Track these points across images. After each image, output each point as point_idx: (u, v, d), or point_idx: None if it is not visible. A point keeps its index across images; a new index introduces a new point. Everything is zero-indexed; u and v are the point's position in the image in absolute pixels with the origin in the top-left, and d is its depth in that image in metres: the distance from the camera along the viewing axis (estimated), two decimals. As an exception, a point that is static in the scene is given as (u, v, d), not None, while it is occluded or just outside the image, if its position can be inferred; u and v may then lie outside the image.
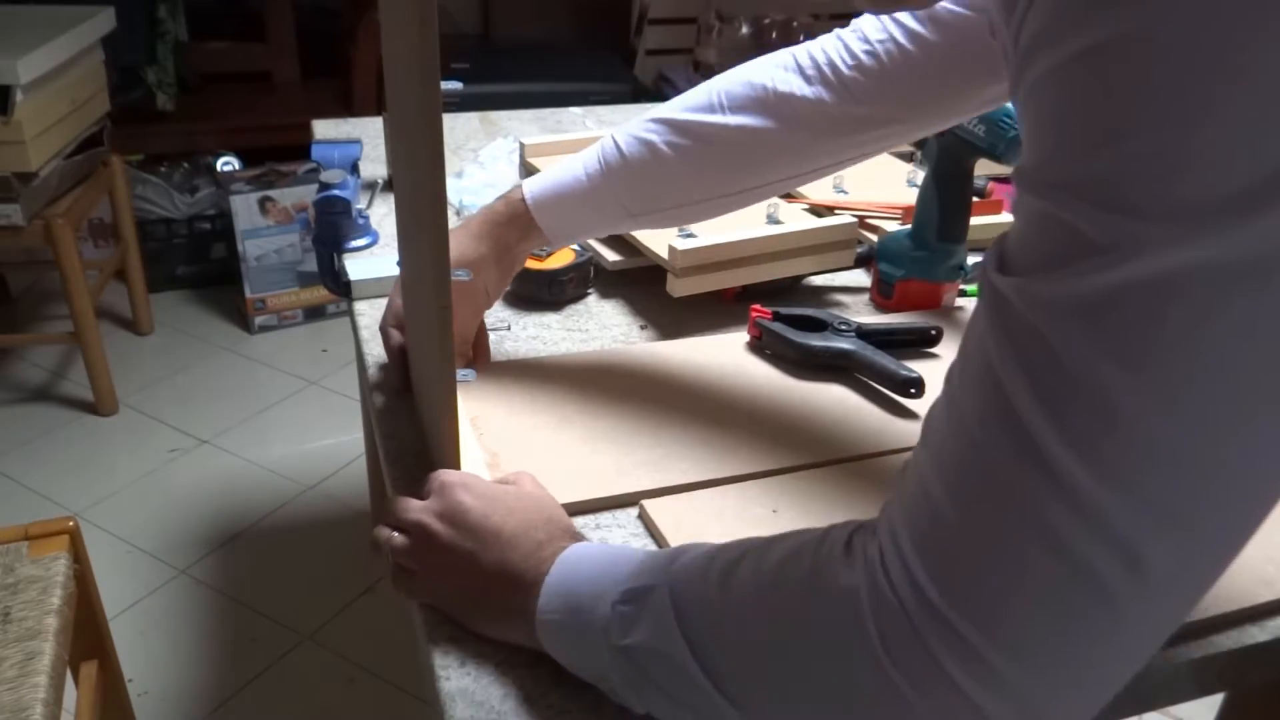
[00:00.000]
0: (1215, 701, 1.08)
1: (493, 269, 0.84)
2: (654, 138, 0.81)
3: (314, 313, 2.45)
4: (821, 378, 0.88)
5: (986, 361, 0.40)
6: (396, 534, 0.63)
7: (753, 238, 0.98)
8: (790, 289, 1.04)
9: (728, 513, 0.71)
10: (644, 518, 0.71)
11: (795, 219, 1.08)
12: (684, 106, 0.81)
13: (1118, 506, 0.37)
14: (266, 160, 2.39)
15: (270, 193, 2.27)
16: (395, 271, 0.97)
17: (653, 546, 0.68)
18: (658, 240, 1.00)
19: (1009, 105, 0.86)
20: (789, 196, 1.17)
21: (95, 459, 1.97)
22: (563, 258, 1.00)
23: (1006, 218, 1.11)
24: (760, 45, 2.78)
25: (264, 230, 2.29)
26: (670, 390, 0.85)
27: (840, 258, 1.04)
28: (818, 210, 1.16)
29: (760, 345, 0.92)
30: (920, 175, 1.17)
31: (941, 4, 0.73)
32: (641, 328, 0.97)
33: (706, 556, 0.51)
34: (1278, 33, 0.33)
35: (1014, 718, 0.40)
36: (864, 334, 0.90)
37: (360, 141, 1.16)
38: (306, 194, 2.27)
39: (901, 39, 0.75)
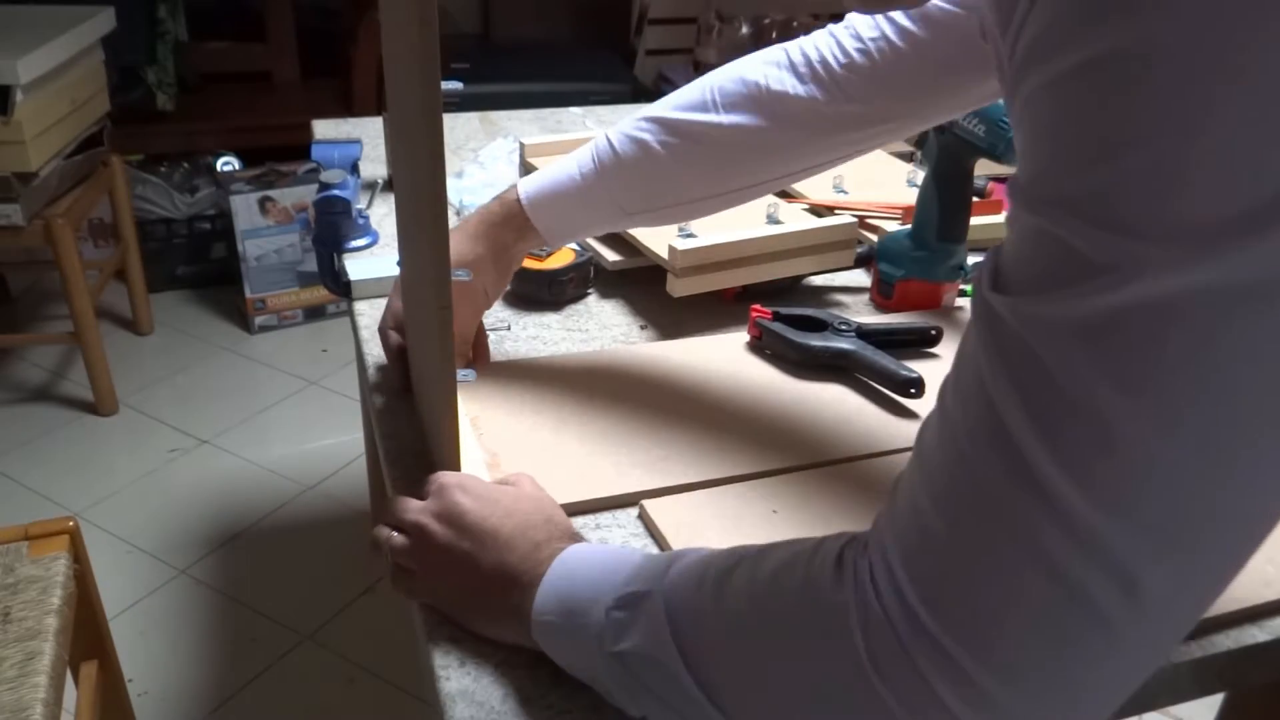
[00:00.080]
0: (1215, 701, 1.08)
1: (491, 269, 0.84)
2: (647, 137, 0.81)
3: (314, 313, 2.45)
4: (821, 378, 0.88)
5: (979, 379, 0.40)
6: (396, 534, 0.63)
7: (753, 238, 0.98)
8: (790, 289, 1.04)
9: (728, 513, 0.71)
10: (644, 518, 0.71)
11: (795, 219, 1.08)
12: (676, 105, 0.81)
13: (1113, 530, 0.36)
14: (266, 160, 2.39)
15: (270, 193, 2.27)
16: (395, 271, 0.97)
17: (653, 546, 0.68)
18: (658, 240, 1.00)
19: (1008, 105, 0.86)
20: (789, 196, 1.17)
21: (95, 459, 1.97)
22: (563, 258, 1.00)
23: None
24: (760, 45, 2.77)
25: (264, 230, 2.29)
26: (670, 390, 0.85)
27: (840, 258, 1.04)
28: (818, 210, 1.16)
29: (760, 345, 0.92)
30: (920, 175, 1.17)
31: (933, 2, 0.73)
32: (641, 328, 0.97)
33: (701, 564, 0.51)
34: (1278, 51, 0.32)
35: None
36: (864, 334, 0.90)
37: (360, 141, 1.16)
38: (306, 194, 2.27)
39: (894, 36, 0.75)
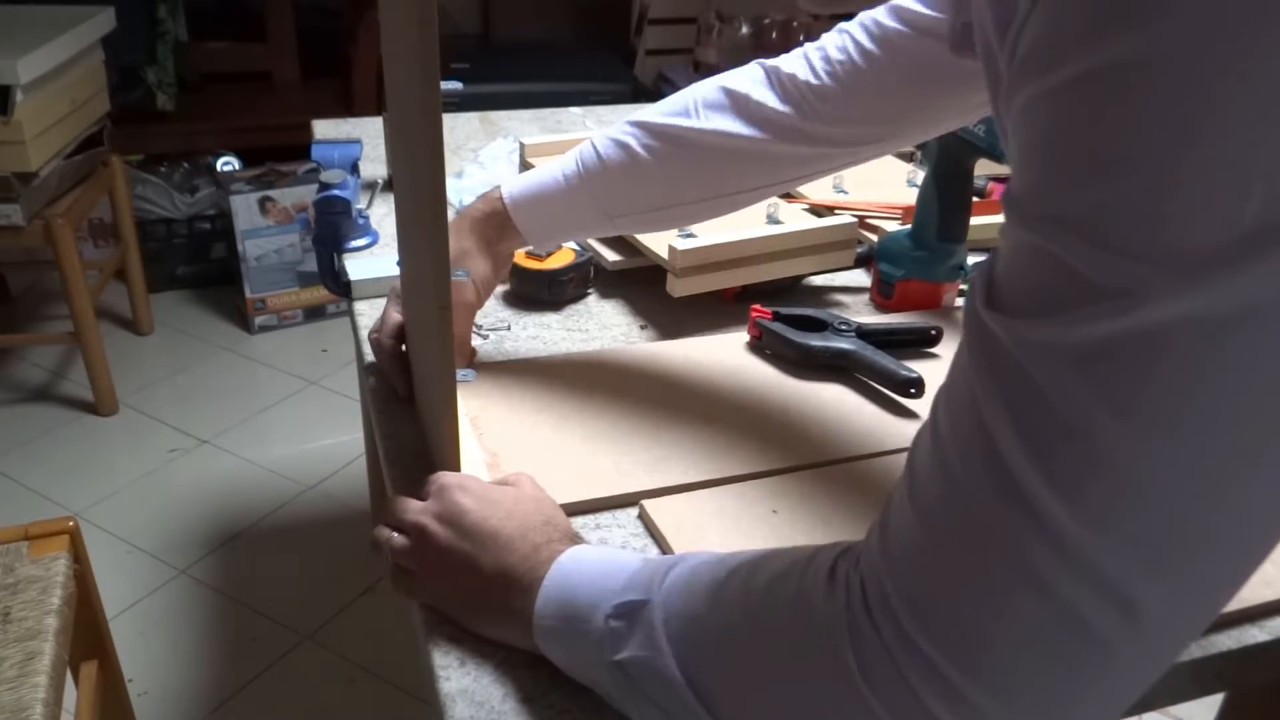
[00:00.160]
0: (1215, 701, 1.08)
1: (478, 262, 0.84)
2: (631, 141, 0.81)
3: (314, 313, 2.45)
4: (821, 378, 0.88)
5: (971, 397, 0.40)
6: (396, 534, 0.63)
7: (753, 238, 0.98)
8: (790, 289, 1.04)
9: (728, 513, 0.71)
10: (644, 518, 0.71)
11: (795, 219, 1.08)
12: (661, 111, 0.82)
13: (1104, 551, 0.36)
14: (266, 160, 2.39)
15: (270, 193, 2.27)
16: (395, 271, 0.97)
17: (653, 546, 0.68)
18: (658, 240, 1.00)
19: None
20: (789, 196, 1.17)
21: (95, 459, 1.97)
22: (563, 258, 1.00)
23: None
24: (760, 45, 2.78)
25: (264, 230, 2.29)
26: (670, 390, 0.85)
27: (840, 258, 1.04)
28: (818, 210, 1.16)
29: (760, 345, 0.92)
30: (920, 175, 1.17)
31: (894, 26, 0.74)
32: (641, 328, 0.97)
33: (697, 572, 0.51)
34: (1276, 67, 0.32)
35: None
36: (864, 334, 0.90)
37: (360, 141, 1.16)
38: (306, 194, 2.27)
39: (857, 58, 0.76)
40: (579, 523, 0.68)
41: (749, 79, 0.80)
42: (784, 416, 0.82)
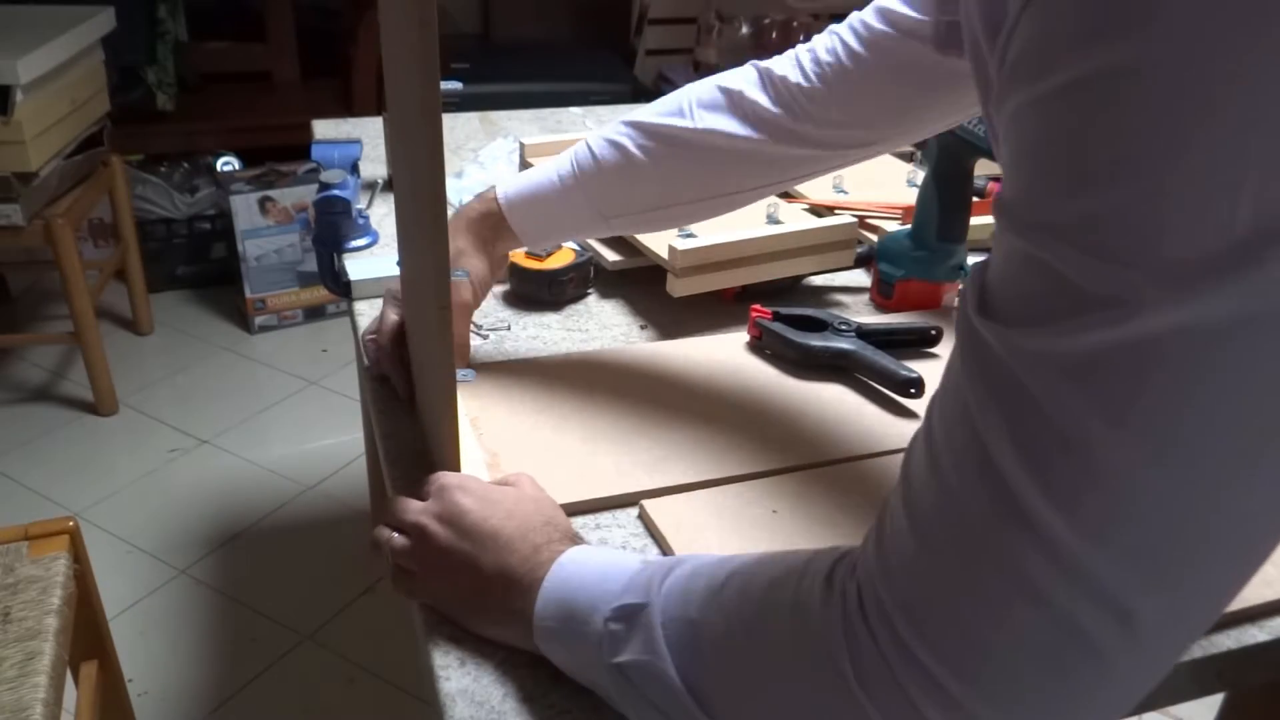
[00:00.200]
0: (1215, 701, 1.08)
1: (474, 261, 0.84)
2: (626, 141, 0.81)
3: (314, 313, 2.45)
4: (821, 378, 0.88)
5: (964, 406, 0.39)
6: (396, 535, 0.63)
7: (753, 238, 0.98)
8: (790, 289, 1.04)
9: (728, 513, 0.71)
10: (644, 518, 0.71)
11: (795, 219, 1.08)
12: (655, 111, 0.82)
13: (1100, 561, 0.36)
14: (266, 160, 2.39)
15: (270, 193, 2.27)
16: (395, 271, 0.97)
17: (653, 546, 0.68)
18: (658, 240, 1.00)
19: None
20: (789, 196, 1.17)
21: (95, 459, 1.97)
22: (563, 258, 1.00)
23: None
24: (760, 45, 2.78)
25: (264, 230, 2.29)
26: (670, 390, 0.85)
27: (840, 258, 1.04)
28: (818, 210, 1.16)
29: (760, 345, 0.92)
30: (920, 175, 1.17)
31: (880, 28, 0.74)
32: (641, 328, 0.97)
33: (695, 576, 0.51)
34: (1267, 75, 0.32)
35: None
36: (864, 334, 0.90)
37: (360, 141, 1.16)
38: (306, 194, 2.27)
39: (845, 61, 0.76)
40: (579, 523, 0.68)
41: (744, 79, 0.80)
42: (784, 416, 0.82)
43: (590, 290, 1.03)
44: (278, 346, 2.37)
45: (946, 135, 0.94)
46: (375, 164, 1.31)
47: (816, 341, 0.88)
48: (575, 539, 0.61)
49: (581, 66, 2.66)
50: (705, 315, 0.98)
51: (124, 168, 2.21)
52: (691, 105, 0.80)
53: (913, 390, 0.83)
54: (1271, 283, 0.33)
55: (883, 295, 1.02)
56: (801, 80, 0.78)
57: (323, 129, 1.44)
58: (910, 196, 1.13)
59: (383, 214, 1.18)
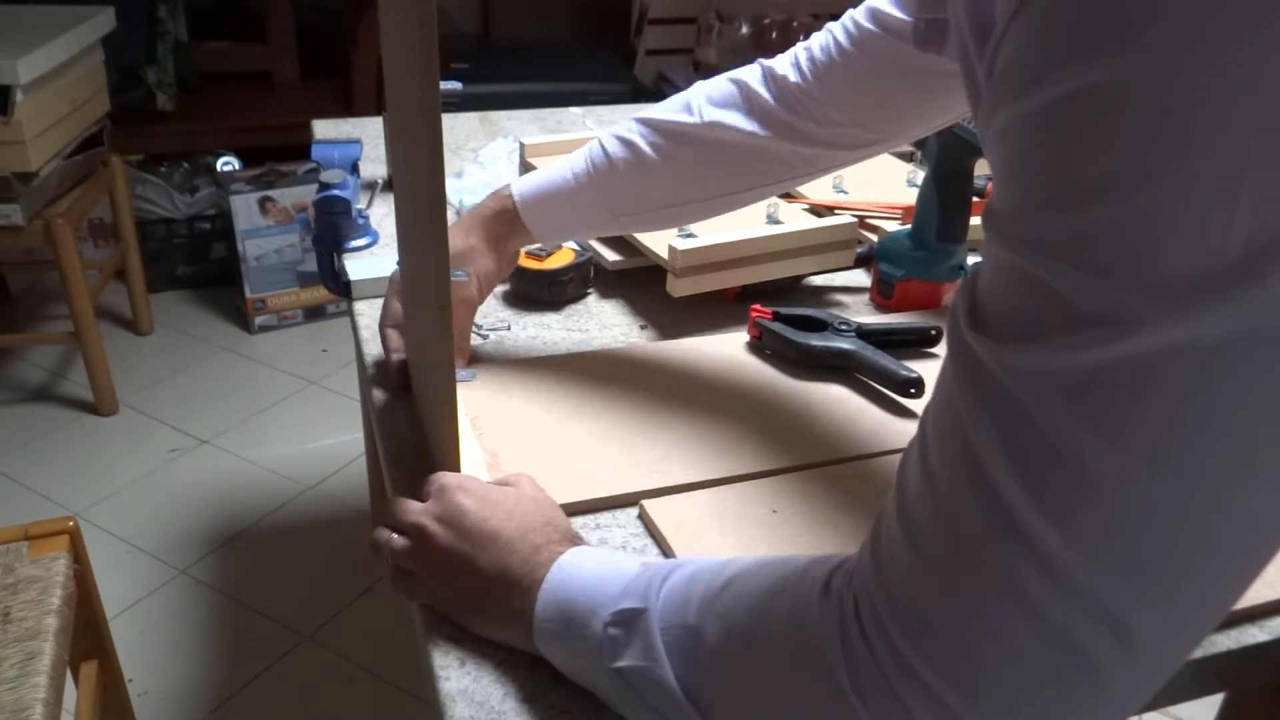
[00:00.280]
0: (1215, 701, 1.08)
1: (485, 259, 0.84)
2: (637, 139, 0.82)
3: (314, 313, 2.45)
4: (821, 378, 0.88)
5: (957, 420, 0.39)
6: (396, 535, 0.63)
7: (753, 238, 0.98)
8: (790, 289, 1.04)
9: (728, 513, 0.71)
10: (644, 518, 0.71)
11: (795, 219, 1.08)
12: (666, 108, 0.82)
13: (1095, 575, 0.36)
14: (266, 160, 2.39)
15: (270, 193, 2.27)
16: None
17: (653, 547, 0.68)
18: (658, 240, 1.00)
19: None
20: (789, 196, 1.17)
21: (95, 459, 1.97)
22: (563, 258, 1.00)
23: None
24: (760, 45, 2.78)
25: (264, 230, 2.29)
26: (670, 390, 0.85)
27: (840, 258, 1.04)
28: (818, 210, 1.16)
29: (760, 345, 0.92)
30: (920, 175, 1.17)
31: (868, 27, 0.75)
32: (641, 328, 0.97)
33: (693, 581, 0.51)
34: (1259, 87, 0.32)
35: None
36: (864, 334, 0.90)
37: (360, 141, 1.16)
38: (306, 194, 2.27)
39: (836, 59, 0.77)
40: (579, 523, 0.68)
41: (750, 75, 0.81)
42: (784, 416, 0.82)
43: (590, 290, 1.03)
44: (278, 346, 2.36)
45: (946, 135, 0.94)
46: (375, 164, 1.31)
47: (816, 341, 0.88)
48: (575, 540, 0.61)
49: (581, 66, 2.66)
50: (705, 315, 0.98)
51: (124, 168, 2.21)
52: (700, 102, 0.81)
53: (913, 390, 0.83)
54: (1269, 299, 0.33)
55: (883, 295, 1.02)
56: (799, 79, 0.78)
57: (323, 129, 1.44)
58: (910, 196, 1.13)
59: (383, 214, 1.18)
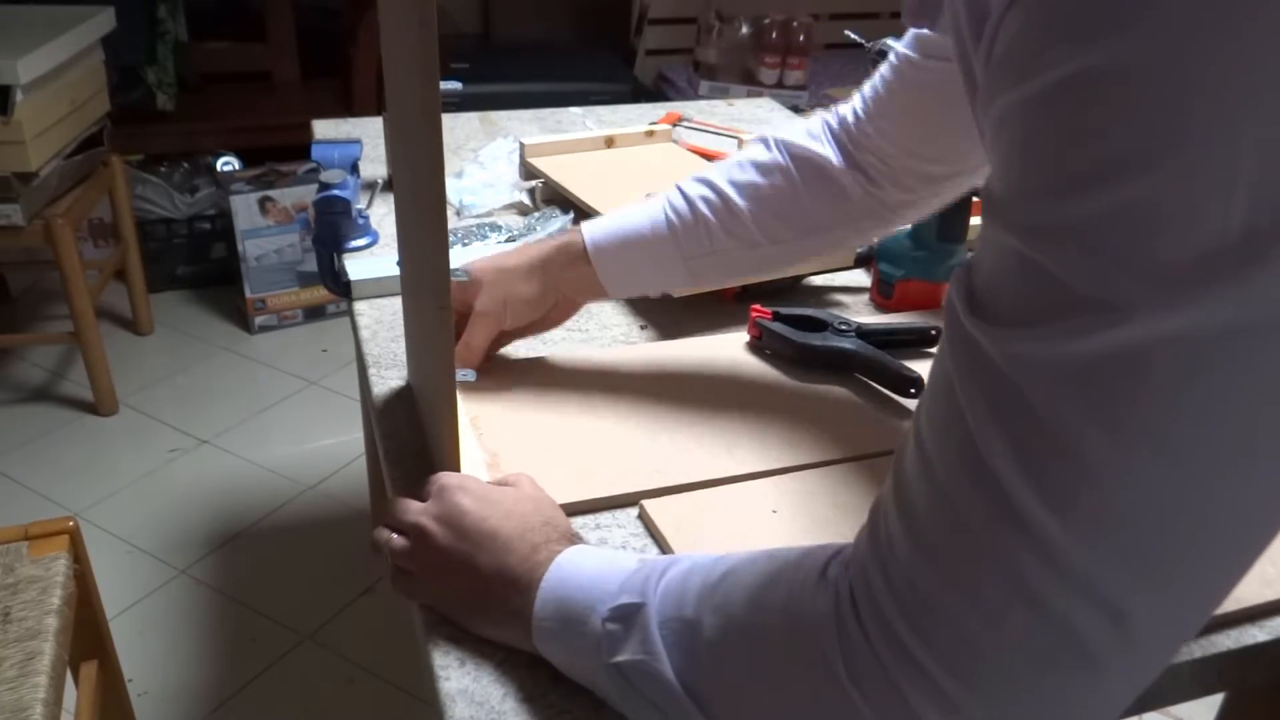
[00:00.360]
0: (1215, 701, 1.08)
1: (522, 285, 0.82)
2: (713, 177, 0.82)
3: (314, 313, 2.45)
4: (821, 378, 0.88)
5: (956, 408, 0.39)
6: (395, 535, 0.63)
7: (753, 238, 0.97)
8: (790, 289, 1.04)
9: (728, 513, 0.71)
10: (644, 518, 0.71)
11: (795, 219, 1.08)
12: (740, 158, 0.83)
13: (1095, 562, 0.36)
14: (266, 160, 2.39)
15: (270, 193, 2.27)
16: (395, 271, 0.97)
17: (653, 546, 0.68)
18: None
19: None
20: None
21: (95, 459, 1.97)
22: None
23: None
24: (760, 45, 2.78)
25: (264, 230, 2.29)
26: (670, 390, 0.85)
27: (840, 258, 1.04)
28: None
29: (760, 345, 0.92)
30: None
31: (905, 52, 0.75)
32: (641, 328, 0.97)
33: (690, 575, 0.51)
34: (1259, 70, 0.32)
35: None
36: (864, 334, 0.90)
37: (360, 141, 1.16)
38: (306, 194, 2.27)
39: (882, 89, 0.78)
40: (579, 523, 0.68)
41: (815, 119, 0.83)
42: (784, 417, 0.82)
43: (590, 290, 1.03)
44: (278, 346, 2.37)
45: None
46: (375, 164, 1.31)
47: (816, 341, 0.88)
48: (574, 539, 0.61)
49: (581, 66, 2.66)
50: (705, 315, 0.98)
51: (124, 168, 2.21)
52: (773, 138, 0.82)
53: (913, 390, 0.83)
54: (1267, 286, 0.33)
55: (883, 295, 1.02)
56: (854, 119, 0.80)
57: (323, 129, 1.44)
58: (910, 196, 1.13)
59: (383, 214, 1.18)
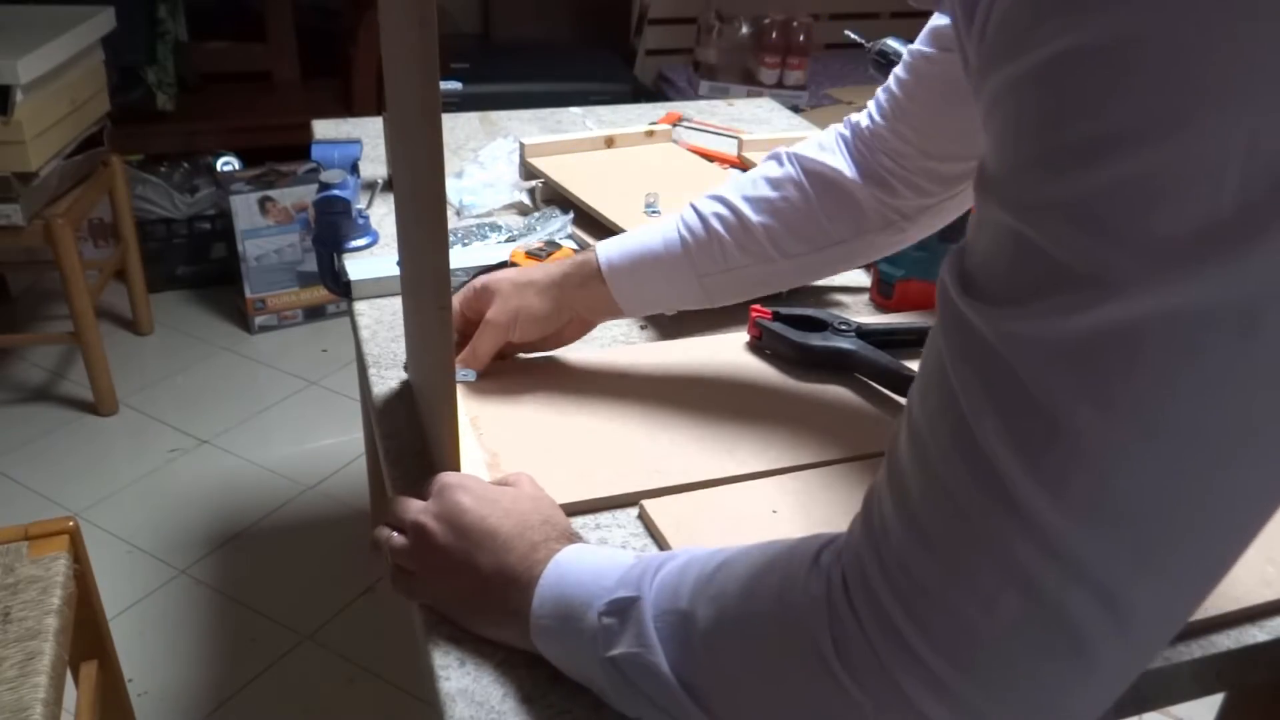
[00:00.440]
0: (1215, 701, 1.08)
1: (535, 299, 0.81)
2: (728, 194, 0.81)
3: (314, 313, 2.45)
4: (821, 378, 0.88)
5: (949, 390, 0.39)
6: (396, 534, 0.63)
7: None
8: (790, 289, 1.04)
9: (728, 513, 0.71)
10: (644, 518, 0.71)
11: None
12: (754, 175, 0.82)
13: (1089, 546, 0.36)
14: (266, 160, 2.39)
15: (270, 193, 2.27)
16: (395, 271, 0.97)
17: (653, 546, 0.68)
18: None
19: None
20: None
21: (95, 459, 1.97)
22: (562, 257, 1.00)
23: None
24: (760, 45, 2.78)
25: (264, 230, 2.29)
26: (670, 390, 0.85)
27: (840, 258, 1.04)
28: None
29: (760, 345, 0.92)
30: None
31: (919, 49, 0.75)
32: (641, 328, 0.97)
33: (686, 568, 0.51)
34: (1260, 50, 0.31)
35: None
36: (864, 334, 0.90)
37: (360, 141, 1.16)
38: (306, 194, 2.27)
39: (896, 90, 0.77)
40: (579, 523, 0.68)
41: (831, 129, 0.82)
42: (784, 416, 0.82)
43: (590, 290, 1.03)
44: (278, 346, 2.37)
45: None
46: (375, 164, 1.31)
47: (816, 341, 0.88)
48: (573, 538, 0.61)
49: (581, 66, 2.66)
50: (705, 315, 0.98)
51: (124, 168, 2.21)
52: (785, 153, 0.82)
53: (913, 390, 0.83)
54: (1262, 263, 0.33)
55: (883, 295, 1.02)
56: (870, 123, 0.79)
57: (323, 129, 1.44)
58: (910, 196, 1.13)
59: (383, 214, 1.18)
